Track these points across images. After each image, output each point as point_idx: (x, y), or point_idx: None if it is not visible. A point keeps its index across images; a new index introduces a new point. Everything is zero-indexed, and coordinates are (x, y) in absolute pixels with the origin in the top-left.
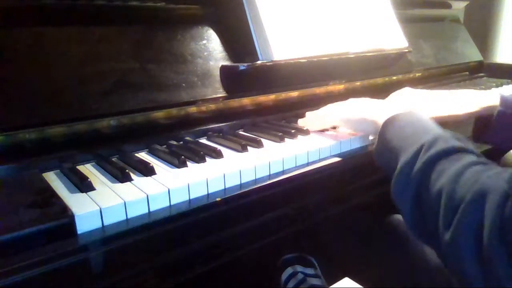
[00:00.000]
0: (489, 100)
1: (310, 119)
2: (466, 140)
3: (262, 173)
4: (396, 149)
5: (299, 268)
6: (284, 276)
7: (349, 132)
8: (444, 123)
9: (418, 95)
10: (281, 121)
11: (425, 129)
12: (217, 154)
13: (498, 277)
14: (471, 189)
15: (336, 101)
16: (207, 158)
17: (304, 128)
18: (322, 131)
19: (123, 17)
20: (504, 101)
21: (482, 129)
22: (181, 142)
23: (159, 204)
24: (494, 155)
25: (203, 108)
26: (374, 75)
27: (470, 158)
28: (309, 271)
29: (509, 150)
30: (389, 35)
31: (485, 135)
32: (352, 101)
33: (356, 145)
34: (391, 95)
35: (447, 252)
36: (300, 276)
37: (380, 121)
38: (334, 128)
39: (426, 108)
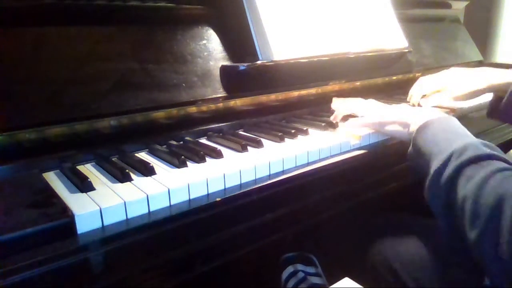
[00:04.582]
0: (504, 77)
1: (342, 104)
2: (496, 147)
3: (262, 173)
4: (428, 154)
5: (299, 266)
6: (285, 274)
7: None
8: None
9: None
10: (281, 121)
11: (456, 136)
12: (217, 154)
13: None
14: (494, 194)
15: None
16: (207, 158)
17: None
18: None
19: (123, 17)
20: None
21: (494, 106)
22: (181, 142)
23: (159, 204)
24: None
25: (203, 108)
26: (374, 75)
27: (499, 164)
28: (310, 269)
29: None
30: (389, 35)
31: (497, 112)
32: (374, 103)
33: (355, 145)
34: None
35: (473, 250)
36: (300, 274)
37: (414, 126)
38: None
39: (453, 88)
